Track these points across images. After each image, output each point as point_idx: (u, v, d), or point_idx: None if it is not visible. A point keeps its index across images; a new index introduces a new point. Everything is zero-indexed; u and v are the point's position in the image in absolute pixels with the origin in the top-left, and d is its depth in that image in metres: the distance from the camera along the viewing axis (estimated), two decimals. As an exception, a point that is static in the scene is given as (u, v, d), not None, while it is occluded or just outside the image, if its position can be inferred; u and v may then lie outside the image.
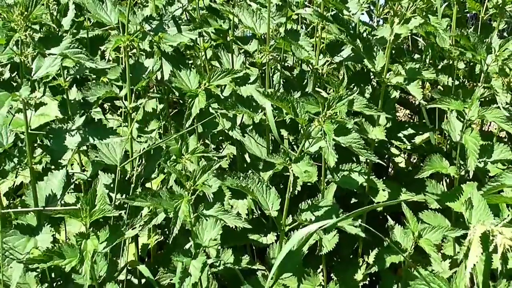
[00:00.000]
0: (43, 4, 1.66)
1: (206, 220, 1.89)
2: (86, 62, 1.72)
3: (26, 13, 1.61)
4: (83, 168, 2.28)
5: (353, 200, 2.53)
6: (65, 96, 2.13)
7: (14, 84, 1.79)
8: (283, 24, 2.42)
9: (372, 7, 2.78)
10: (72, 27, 2.12)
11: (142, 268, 2.03)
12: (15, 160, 1.78)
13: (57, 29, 2.03)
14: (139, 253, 2.38)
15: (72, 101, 2.09)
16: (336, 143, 1.85)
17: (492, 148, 2.26)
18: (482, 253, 1.50)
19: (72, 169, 2.38)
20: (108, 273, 2.01)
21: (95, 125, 1.95)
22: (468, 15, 2.88)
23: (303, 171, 1.90)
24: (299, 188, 2.22)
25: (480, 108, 2.16)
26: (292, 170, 1.89)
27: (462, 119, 2.21)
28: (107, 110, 2.70)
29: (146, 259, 2.47)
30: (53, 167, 1.89)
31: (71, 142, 1.90)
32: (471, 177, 2.13)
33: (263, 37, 2.33)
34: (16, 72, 2.15)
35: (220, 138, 2.56)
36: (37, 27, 2.02)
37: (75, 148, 1.92)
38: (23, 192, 2.34)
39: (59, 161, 1.91)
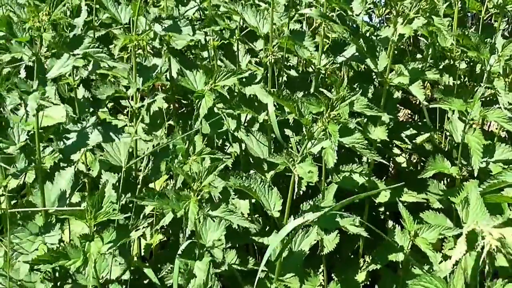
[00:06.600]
0: (64, 5, 1.65)
1: (213, 221, 1.88)
2: (108, 61, 1.72)
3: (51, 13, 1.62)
4: (88, 167, 2.27)
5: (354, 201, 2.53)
6: (73, 95, 2.12)
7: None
8: (286, 24, 2.41)
9: (372, 7, 2.77)
10: (85, 27, 2.12)
11: (148, 271, 2.02)
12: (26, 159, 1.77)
13: (70, 29, 2.02)
14: (141, 253, 2.38)
15: (82, 100, 2.08)
16: (339, 143, 1.85)
17: (494, 148, 2.27)
18: (469, 252, 1.52)
19: (77, 168, 2.37)
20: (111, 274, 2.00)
21: (107, 124, 1.94)
22: (468, 14, 2.88)
23: (306, 172, 1.90)
24: (304, 188, 2.22)
25: (482, 108, 2.17)
26: (296, 171, 1.88)
27: (464, 119, 2.22)
28: (111, 110, 2.69)
29: (148, 258, 2.46)
30: (63, 165, 1.88)
31: (90, 140, 1.90)
32: (475, 176, 2.14)
33: (266, 37, 2.33)
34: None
35: (224, 137, 2.55)
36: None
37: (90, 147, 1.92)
38: (27, 192, 2.32)
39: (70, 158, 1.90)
